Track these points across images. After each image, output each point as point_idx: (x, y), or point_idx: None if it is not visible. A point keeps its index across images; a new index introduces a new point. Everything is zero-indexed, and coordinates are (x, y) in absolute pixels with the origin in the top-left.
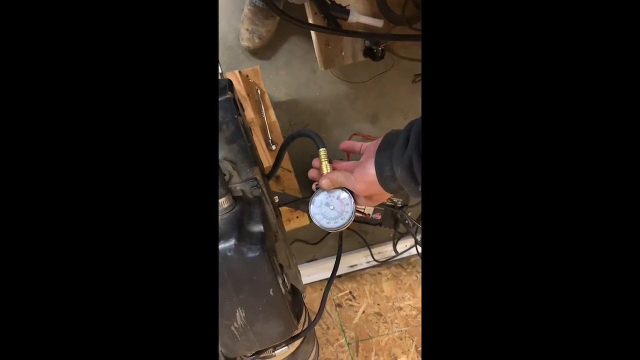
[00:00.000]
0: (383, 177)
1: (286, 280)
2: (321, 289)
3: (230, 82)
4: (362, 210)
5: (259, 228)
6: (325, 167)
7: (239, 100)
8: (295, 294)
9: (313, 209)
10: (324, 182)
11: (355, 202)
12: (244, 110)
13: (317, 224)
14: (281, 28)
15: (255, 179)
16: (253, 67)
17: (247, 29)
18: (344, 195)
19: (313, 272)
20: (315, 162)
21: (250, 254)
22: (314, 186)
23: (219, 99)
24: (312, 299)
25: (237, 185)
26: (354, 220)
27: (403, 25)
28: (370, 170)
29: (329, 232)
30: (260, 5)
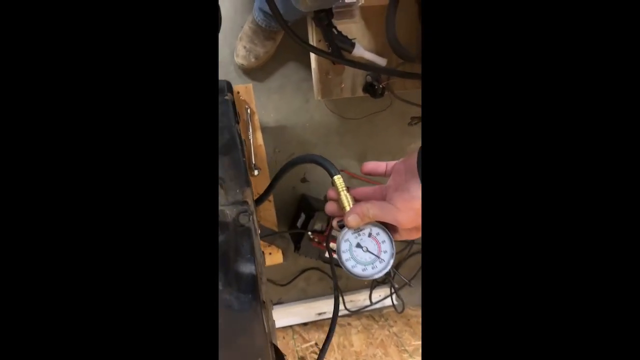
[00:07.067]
0: None
1: (274, 342)
2: (284, 337)
3: (229, 84)
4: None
5: (249, 269)
6: (346, 199)
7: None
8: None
9: (342, 255)
10: (351, 219)
11: (393, 237)
12: (240, 120)
13: (349, 272)
14: (279, 52)
15: (246, 202)
16: (245, 85)
17: (245, 47)
18: (377, 230)
19: (278, 317)
20: (331, 194)
21: (239, 307)
22: (335, 224)
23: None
24: None
25: (223, 208)
26: (326, 263)
27: (413, 62)
28: (417, 192)
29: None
30: (263, 26)
